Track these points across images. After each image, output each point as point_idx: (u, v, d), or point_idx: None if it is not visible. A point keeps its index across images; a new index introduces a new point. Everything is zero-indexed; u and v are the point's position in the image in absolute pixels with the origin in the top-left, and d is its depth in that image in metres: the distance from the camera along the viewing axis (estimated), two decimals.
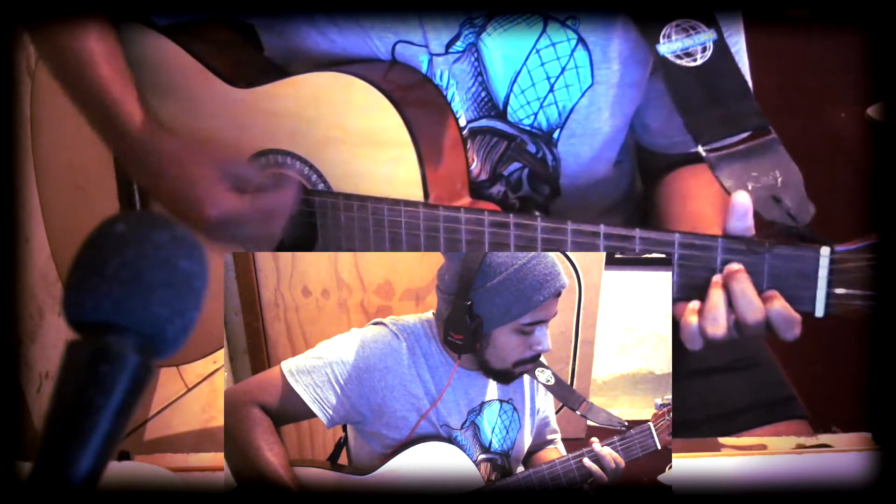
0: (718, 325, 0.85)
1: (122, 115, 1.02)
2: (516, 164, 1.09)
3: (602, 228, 0.89)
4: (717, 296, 0.85)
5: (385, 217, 0.98)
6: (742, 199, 0.85)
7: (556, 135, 1.06)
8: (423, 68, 1.03)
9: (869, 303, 0.81)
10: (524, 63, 1.03)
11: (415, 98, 1.01)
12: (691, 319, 0.87)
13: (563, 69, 1.03)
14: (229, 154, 1.03)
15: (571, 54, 1.02)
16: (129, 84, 1.04)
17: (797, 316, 0.84)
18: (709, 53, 0.97)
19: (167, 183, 1.02)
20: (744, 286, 0.84)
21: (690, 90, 0.96)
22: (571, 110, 1.05)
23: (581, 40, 1.02)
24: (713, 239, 0.86)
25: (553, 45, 1.02)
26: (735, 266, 0.85)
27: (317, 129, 1.02)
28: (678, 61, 0.96)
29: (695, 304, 0.87)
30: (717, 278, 0.86)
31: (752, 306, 0.84)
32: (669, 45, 0.96)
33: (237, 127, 1.06)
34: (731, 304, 0.85)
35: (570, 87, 1.04)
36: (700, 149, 0.92)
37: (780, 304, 0.84)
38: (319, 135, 1.02)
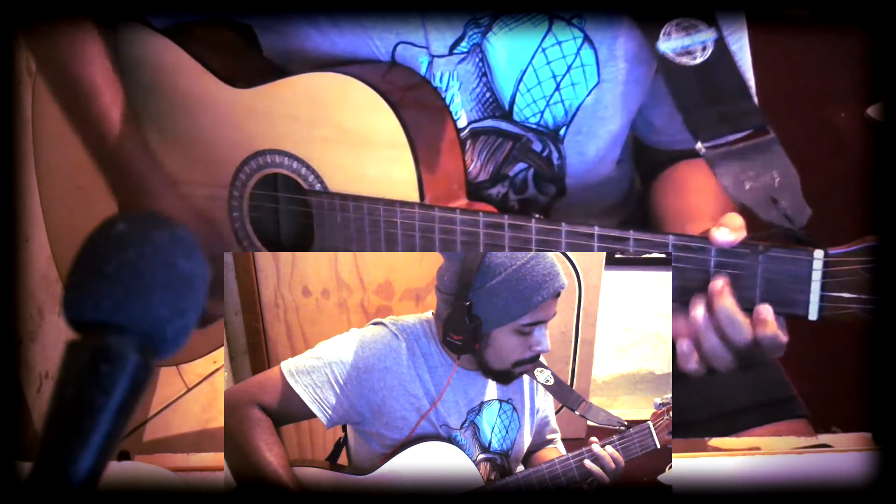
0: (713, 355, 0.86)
1: (105, 125, 1.04)
2: (522, 165, 1.08)
3: (596, 230, 0.89)
4: (699, 318, 0.85)
5: (381, 217, 0.98)
6: (723, 238, 0.84)
7: (562, 132, 1.06)
8: (423, 70, 1.03)
9: (864, 306, 0.81)
10: (530, 62, 1.03)
11: (412, 99, 1.01)
12: (682, 343, 0.87)
13: (570, 68, 1.03)
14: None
15: (577, 53, 1.02)
16: (117, 95, 1.04)
17: (784, 340, 0.84)
18: (709, 52, 0.97)
19: (128, 197, 1.06)
20: (728, 310, 0.84)
21: (690, 88, 0.96)
22: (578, 108, 1.05)
23: (587, 39, 1.02)
24: (707, 241, 0.86)
25: (559, 43, 1.02)
26: (718, 284, 0.84)
27: (314, 130, 1.02)
28: (678, 59, 0.96)
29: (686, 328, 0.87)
30: (700, 310, 0.86)
31: (737, 327, 0.84)
32: (669, 43, 0.96)
33: (234, 127, 1.06)
34: (718, 326, 0.85)
35: (576, 86, 1.04)
36: (699, 145, 0.92)
37: (771, 331, 0.83)
38: (316, 135, 1.02)
